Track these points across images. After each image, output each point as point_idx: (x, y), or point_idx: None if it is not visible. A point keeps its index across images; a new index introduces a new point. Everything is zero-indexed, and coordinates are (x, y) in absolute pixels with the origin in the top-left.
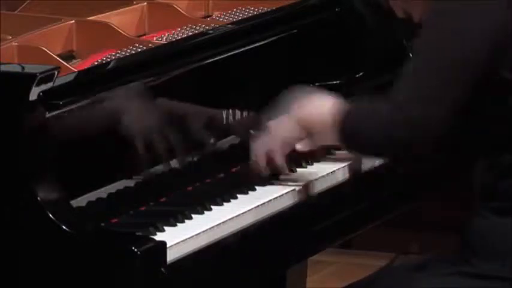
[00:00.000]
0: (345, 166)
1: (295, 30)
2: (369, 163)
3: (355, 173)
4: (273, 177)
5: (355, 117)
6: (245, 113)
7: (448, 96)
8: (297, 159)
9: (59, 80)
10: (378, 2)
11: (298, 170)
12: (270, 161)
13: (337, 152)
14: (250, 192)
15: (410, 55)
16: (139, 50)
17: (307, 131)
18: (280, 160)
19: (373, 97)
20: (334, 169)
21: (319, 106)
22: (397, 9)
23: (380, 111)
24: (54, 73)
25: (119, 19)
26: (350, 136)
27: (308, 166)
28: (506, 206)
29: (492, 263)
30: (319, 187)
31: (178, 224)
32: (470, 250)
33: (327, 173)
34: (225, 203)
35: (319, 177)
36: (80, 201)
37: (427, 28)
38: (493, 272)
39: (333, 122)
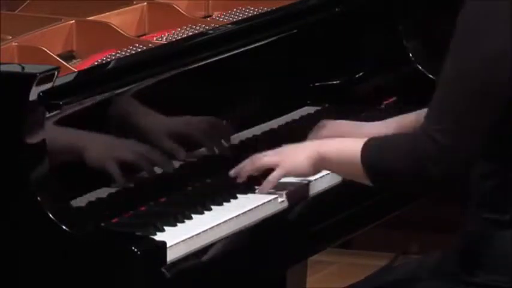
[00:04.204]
0: None
1: (295, 30)
2: None
3: None
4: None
5: (379, 149)
6: (245, 113)
7: (477, 125)
8: None
9: (59, 80)
10: (378, 2)
11: None
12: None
13: None
14: (250, 192)
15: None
16: (139, 50)
17: (320, 167)
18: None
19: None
20: None
21: (340, 143)
22: None
23: (407, 139)
24: (54, 73)
25: (119, 19)
26: (375, 169)
27: None
28: (505, 218)
29: (494, 274)
30: (320, 186)
31: (178, 224)
32: (472, 261)
33: (327, 172)
34: (225, 203)
35: (320, 177)
36: (80, 201)
37: (452, 55)
38: (495, 283)
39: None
